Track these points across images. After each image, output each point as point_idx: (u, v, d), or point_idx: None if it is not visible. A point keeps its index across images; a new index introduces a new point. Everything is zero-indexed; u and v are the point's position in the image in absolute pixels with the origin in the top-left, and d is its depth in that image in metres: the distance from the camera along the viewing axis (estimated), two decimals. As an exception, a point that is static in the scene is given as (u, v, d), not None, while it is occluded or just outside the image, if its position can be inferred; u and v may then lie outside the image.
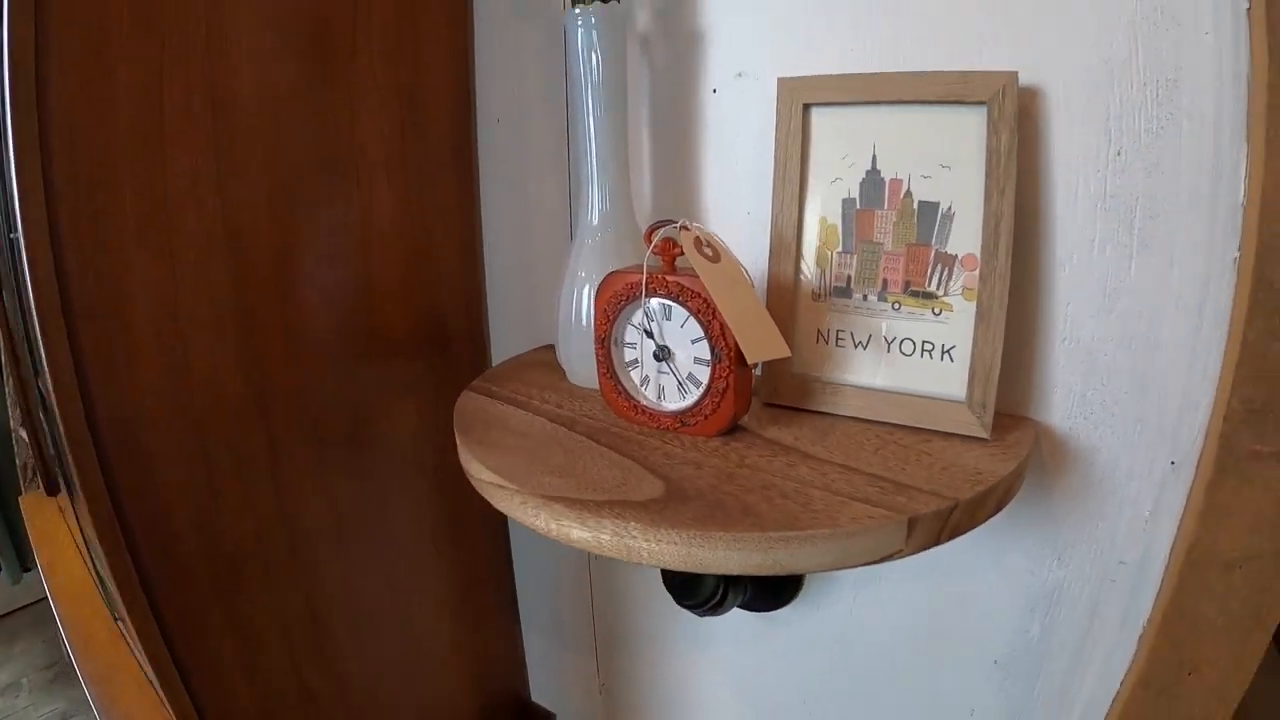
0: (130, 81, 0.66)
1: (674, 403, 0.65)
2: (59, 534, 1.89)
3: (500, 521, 1.14)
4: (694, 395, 0.63)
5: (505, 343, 1.05)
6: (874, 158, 0.65)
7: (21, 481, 2.27)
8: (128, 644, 0.92)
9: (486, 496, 0.61)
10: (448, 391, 0.80)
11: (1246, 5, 0.51)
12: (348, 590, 0.93)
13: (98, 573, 0.99)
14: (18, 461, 2.38)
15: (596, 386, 0.70)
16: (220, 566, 0.80)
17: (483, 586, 1.14)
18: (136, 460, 0.71)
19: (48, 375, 0.65)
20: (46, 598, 1.30)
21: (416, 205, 0.92)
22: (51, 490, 2.09)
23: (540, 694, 1.30)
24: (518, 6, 0.91)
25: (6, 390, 1.85)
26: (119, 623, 0.92)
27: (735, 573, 0.50)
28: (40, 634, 2.31)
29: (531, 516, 0.56)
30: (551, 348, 0.87)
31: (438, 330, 0.98)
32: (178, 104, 0.69)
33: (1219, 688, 0.61)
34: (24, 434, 2.43)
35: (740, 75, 0.75)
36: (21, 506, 2.18)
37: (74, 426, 0.67)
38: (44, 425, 1.26)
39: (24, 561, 2.44)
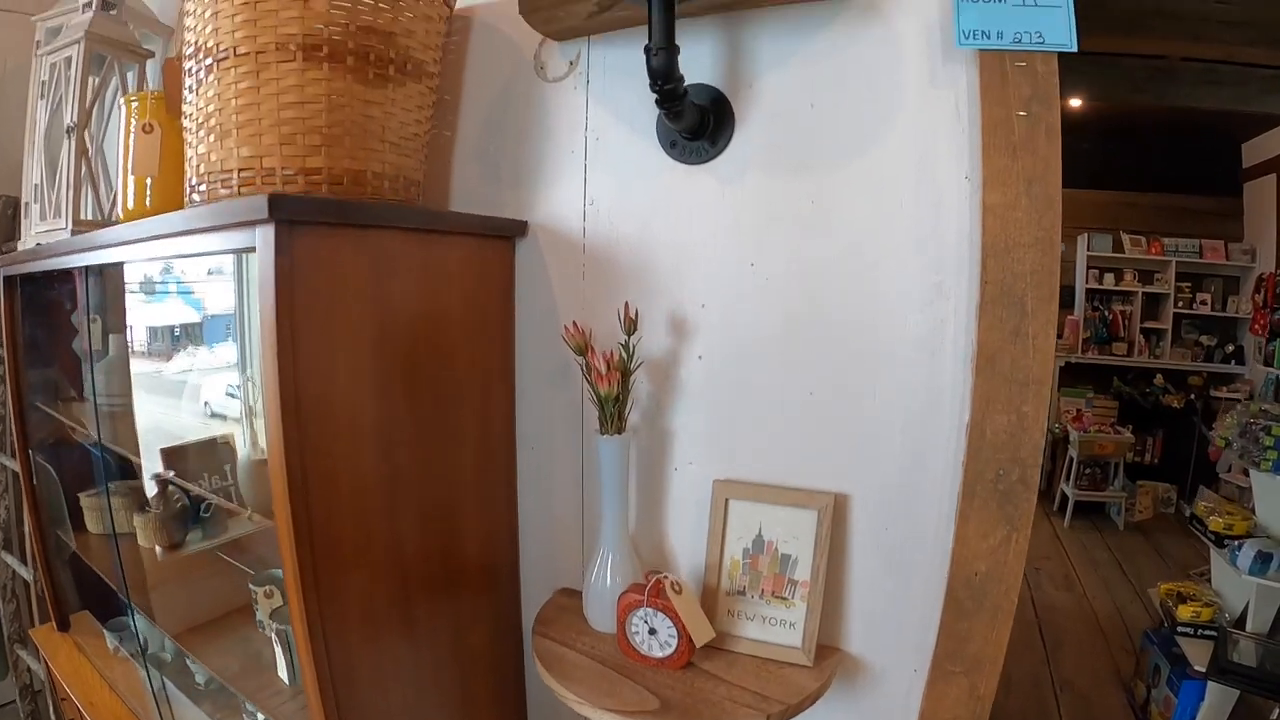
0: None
1: (658, 653, 1.30)
2: (84, 671, 2.38)
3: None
4: (669, 649, 1.28)
5: (532, 583, 1.66)
6: (760, 528, 1.33)
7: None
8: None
9: (567, 705, 1.24)
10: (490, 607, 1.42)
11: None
12: None
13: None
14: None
15: (611, 630, 1.34)
16: None
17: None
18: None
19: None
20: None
21: (484, 500, 1.55)
22: (63, 626, 2.59)
23: None
24: (551, 379, 1.56)
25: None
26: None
27: (697, 748, 1.16)
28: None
29: (598, 716, 1.20)
30: (566, 591, 1.52)
31: (491, 570, 1.60)
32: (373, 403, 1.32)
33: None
34: (25, 574, 2.88)
35: (690, 464, 1.42)
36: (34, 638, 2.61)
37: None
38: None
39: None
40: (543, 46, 1.46)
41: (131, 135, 1.70)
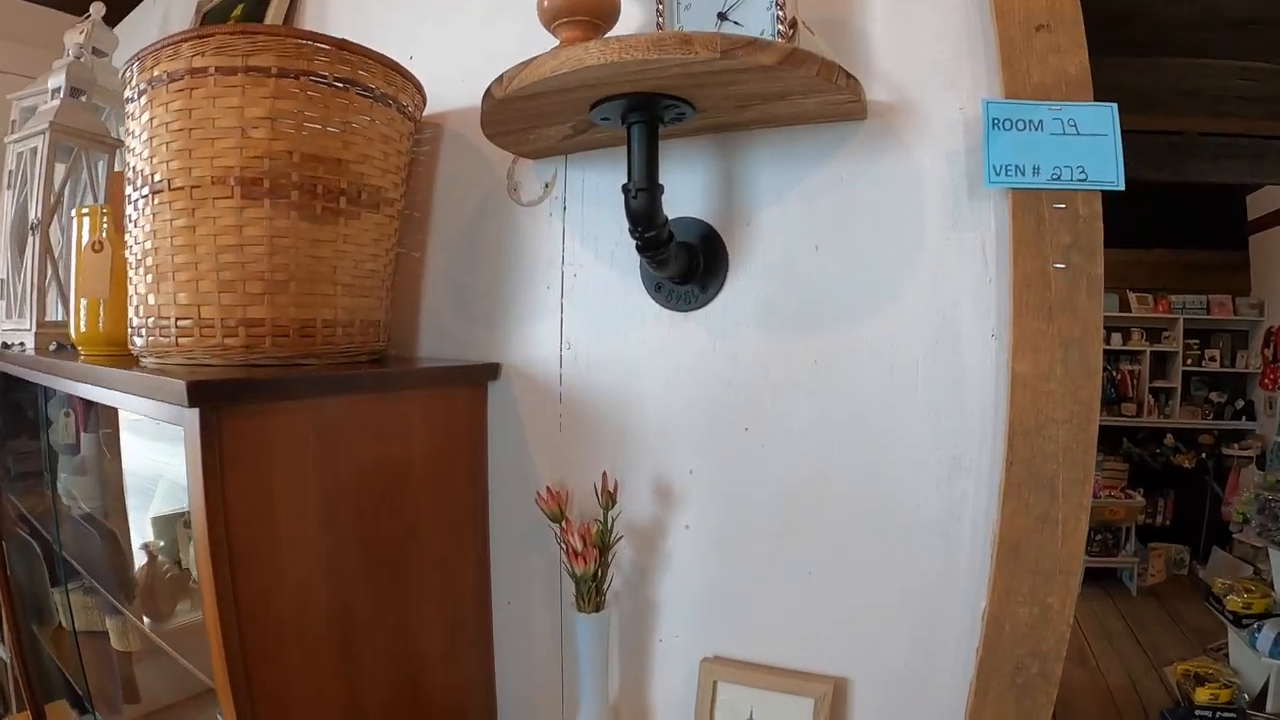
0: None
1: None
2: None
3: None
4: None
5: None
6: (751, 715, 1.14)
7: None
8: None
9: None
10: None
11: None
12: None
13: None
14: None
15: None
16: None
17: None
18: None
19: None
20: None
21: (452, 657, 1.37)
22: (38, 717, 2.42)
23: None
24: (527, 535, 1.38)
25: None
26: None
27: None
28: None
29: None
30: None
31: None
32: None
33: None
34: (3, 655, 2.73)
35: (677, 637, 1.24)
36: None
37: None
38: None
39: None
40: (516, 165, 1.30)
41: (82, 252, 1.54)
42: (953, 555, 1.01)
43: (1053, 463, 0.96)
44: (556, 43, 1.04)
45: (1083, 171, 0.97)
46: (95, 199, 2.06)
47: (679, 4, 1.03)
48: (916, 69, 1.00)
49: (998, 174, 0.96)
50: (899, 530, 1.04)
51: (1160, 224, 5.27)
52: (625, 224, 0.99)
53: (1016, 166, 0.96)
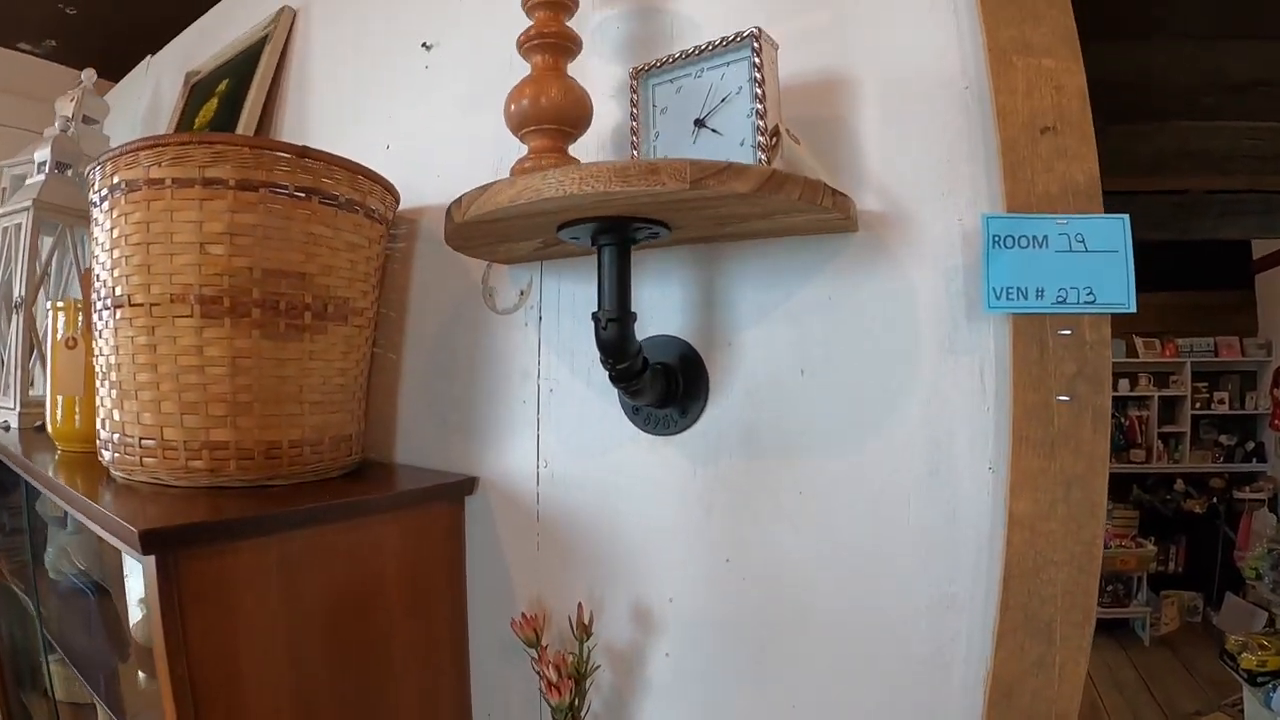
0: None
1: None
2: None
3: None
4: None
5: None
6: None
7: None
8: None
9: None
10: None
11: None
12: None
13: None
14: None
15: None
16: None
17: None
18: None
19: None
20: None
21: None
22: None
23: None
24: (506, 653, 1.27)
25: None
26: None
27: None
28: None
29: None
30: None
31: None
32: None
33: None
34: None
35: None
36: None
37: None
38: None
39: None
40: (491, 270, 1.24)
41: (57, 347, 1.49)
42: (943, 694, 0.92)
43: (1050, 606, 0.88)
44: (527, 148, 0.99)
45: (1091, 293, 0.90)
46: (80, 272, 2.01)
47: (654, 108, 0.97)
48: (911, 175, 0.91)
49: (998, 298, 0.89)
50: (887, 666, 0.95)
51: (1165, 266, 5.19)
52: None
53: (1019, 289, 0.89)
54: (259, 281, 1.03)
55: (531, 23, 0.98)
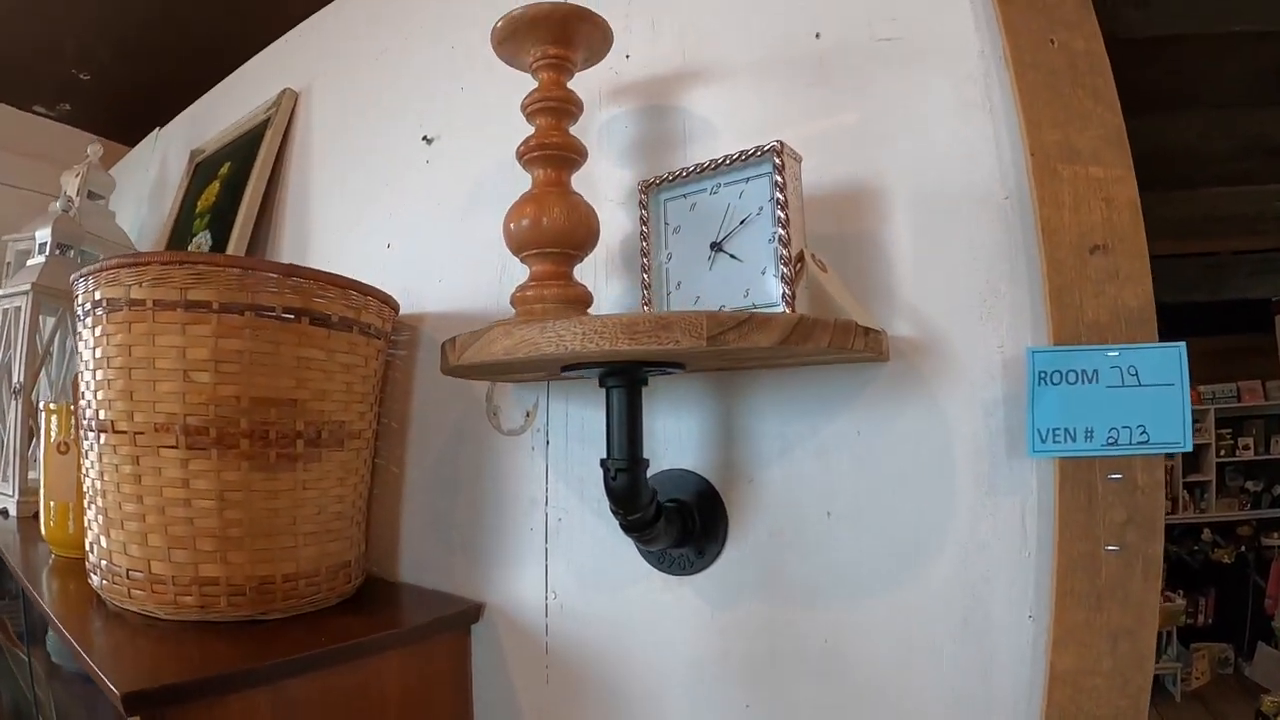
0: None
1: None
2: None
3: None
4: None
5: None
6: None
7: None
8: None
9: None
10: None
11: None
12: None
13: None
14: None
15: None
16: None
17: None
18: None
19: None
20: None
21: None
22: None
23: None
24: None
25: None
26: None
27: None
28: None
29: None
30: None
31: None
32: None
33: None
34: None
35: None
36: None
37: None
38: None
39: None
40: (495, 388, 1.16)
41: (49, 450, 1.42)
42: None
43: (1097, 767, 0.79)
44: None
45: (1144, 432, 0.81)
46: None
47: (666, 225, 0.89)
48: (947, 298, 0.83)
49: (1044, 441, 0.80)
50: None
51: (1184, 313, 5.08)
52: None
53: (1066, 430, 0.81)
54: (247, 411, 0.96)
55: (532, 130, 0.91)
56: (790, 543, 0.90)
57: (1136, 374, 0.82)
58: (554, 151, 0.89)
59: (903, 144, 0.84)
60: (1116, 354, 0.82)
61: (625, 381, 0.80)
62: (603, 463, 0.81)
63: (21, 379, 1.89)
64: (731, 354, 0.77)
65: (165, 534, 0.96)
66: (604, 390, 0.82)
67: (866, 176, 0.86)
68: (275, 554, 1.00)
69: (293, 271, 0.98)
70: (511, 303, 0.90)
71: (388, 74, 1.46)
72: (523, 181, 0.92)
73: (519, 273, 0.93)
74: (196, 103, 2.28)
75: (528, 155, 0.90)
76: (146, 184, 2.41)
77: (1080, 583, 0.80)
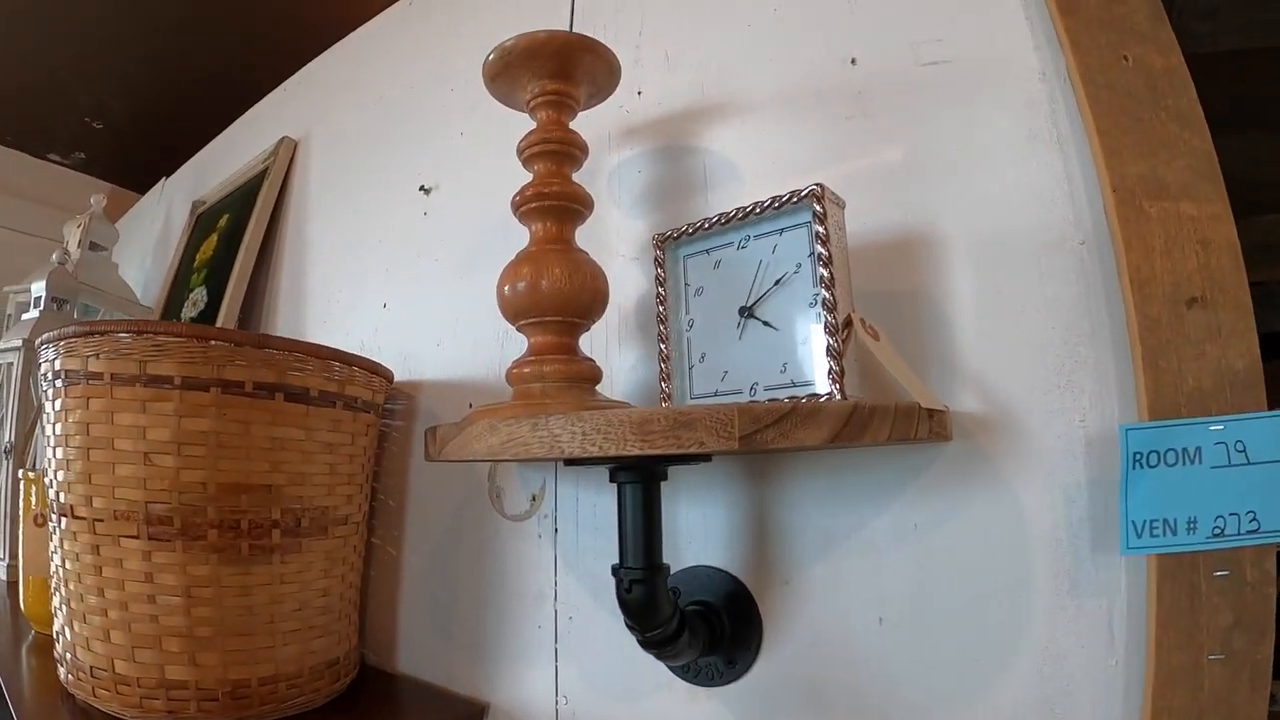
0: None
1: None
2: None
3: None
4: None
5: None
6: None
7: None
8: None
9: None
10: None
11: None
12: None
13: None
14: None
15: None
16: None
17: None
18: None
19: None
20: None
21: None
22: None
23: None
24: None
25: None
26: None
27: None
28: None
29: None
30: None
31: None
32: None
33: None
34: None
35: None
36: None
37: None
38: None
39: None
40: (498, 467, 1.03)
41: (28, 520, 1.30)
42: None
43: None
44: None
45: (1254, 519, 0.67)
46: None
47: (686, 286, 0.76)
48: (1018, 364, 0.69)
49: (1139, 535, 0.66)
50: None
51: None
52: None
53: (1165, 521, 0.67)
54: (214, 498, 0.84)
55: (530, 177, 0.79)
56: (835, 654, 0.75)
57: (1245, 450, 0.68)
58: (554, 202, 0.77)
59: (957, 183, 0.72)
60: (1222, 427, 0.68)
61: (641, 477, 0.67)
62: (615, 571, 0.68)
63: (12, 439, 1.78)
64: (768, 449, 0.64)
65: (129, 631, 0.84)
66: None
67: (916, 222, 0.74)
68: (251, 655, 0.87)
69: (264, 343, 0.86)
70: (507, 379, 0.78)
71: (384, 120, 1.37)
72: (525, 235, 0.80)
73: (520, 338, 0.81)
74: (201, 152, 2.19)
75: (524, 207, 0.78)
76: (152, 236, 2.32)
77: (1180, 698, 0.66)
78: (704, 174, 0.89)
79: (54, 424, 0.89)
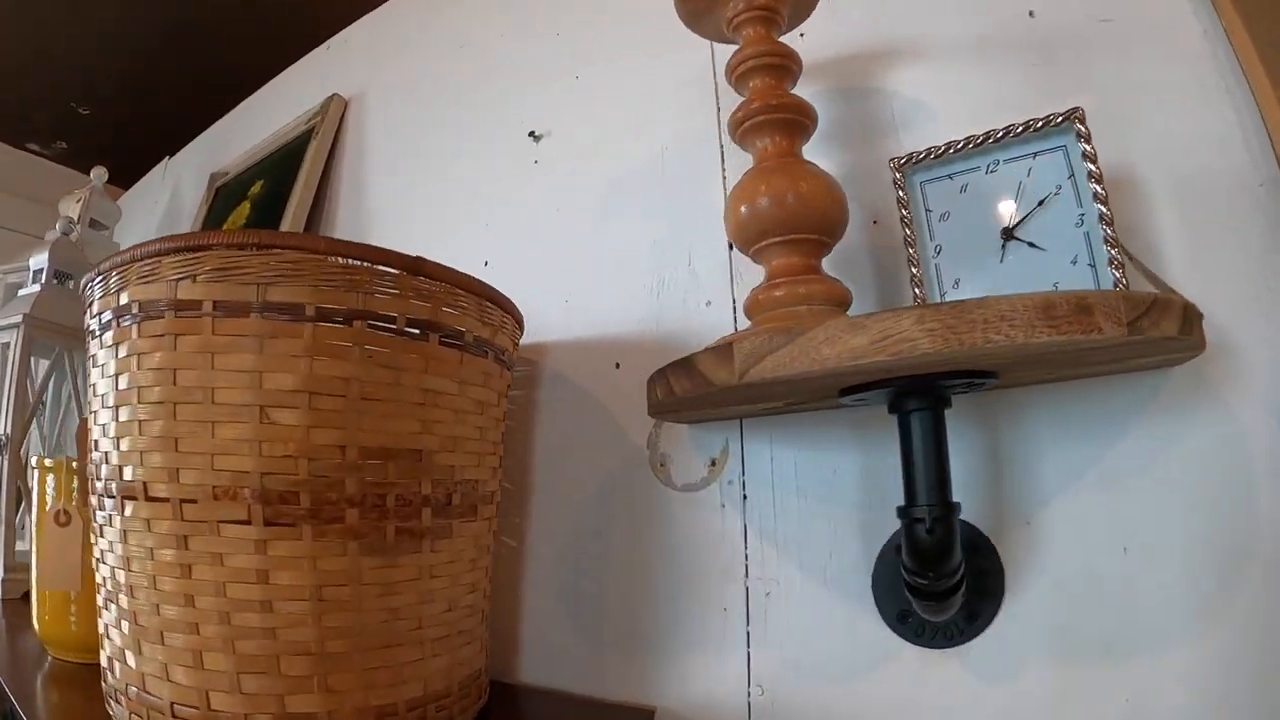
0: None
1: None
2: None
3: None
4: None
5: None
6: None
7: None
8: None
9: None
10: None
11: None
12: None
13: None
14: None
15: None
16: None
17: None
18: None
19: None
20: None
21: None
22: None
23: None
24: None
25: None
26: None
27: None
28: None
29: None
30: None
31: None
32: None
33: None
34: None
35: None
36: None
37: None
38: None
39: None
40: (661, 430, 0.82)
41: (44, 521, 1.01)
42: None
43: None
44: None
45: None
46: (82, 413, 1.55)
47: (929, 214, 0.68)
48: (1224, 295, 0.64)
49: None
50: None
51: None
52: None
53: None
54: (355, 467, 0.60)
55: (747, 92, 0.69)
56: (1081, 591, 0.65)
57: None
58: (784, 115, 0.66)
59: (1145, 129, 0.69)
60: None
61: (930, 402, 0.57)
62: (903, 512, 0.59)
63: (9, 430, 1.49)
64: (1063, 359, 0.52)
65: (232, 653, 0.58)
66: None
67: (1116, 163, 0.68)
68: (397, 672, 0.62)
69: (419, 266, 0.63)
70: (750, 310, 0.66)
71: (473, 68, 1.19)
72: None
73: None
74: (212, 127, 1.93)
75: (749, 121, 0.67)
76: (155, 216, 2.03)
77: None
78: (893, 115, 0.80)
79: (115, 377, 0.64)
